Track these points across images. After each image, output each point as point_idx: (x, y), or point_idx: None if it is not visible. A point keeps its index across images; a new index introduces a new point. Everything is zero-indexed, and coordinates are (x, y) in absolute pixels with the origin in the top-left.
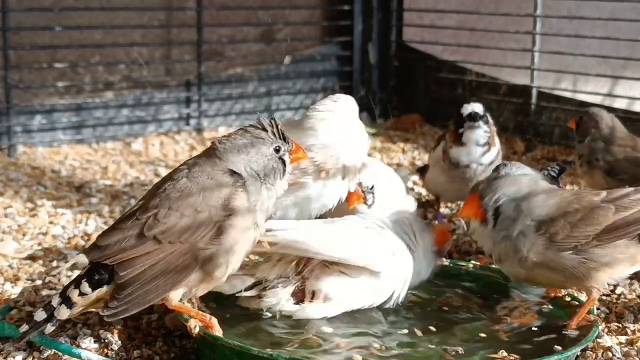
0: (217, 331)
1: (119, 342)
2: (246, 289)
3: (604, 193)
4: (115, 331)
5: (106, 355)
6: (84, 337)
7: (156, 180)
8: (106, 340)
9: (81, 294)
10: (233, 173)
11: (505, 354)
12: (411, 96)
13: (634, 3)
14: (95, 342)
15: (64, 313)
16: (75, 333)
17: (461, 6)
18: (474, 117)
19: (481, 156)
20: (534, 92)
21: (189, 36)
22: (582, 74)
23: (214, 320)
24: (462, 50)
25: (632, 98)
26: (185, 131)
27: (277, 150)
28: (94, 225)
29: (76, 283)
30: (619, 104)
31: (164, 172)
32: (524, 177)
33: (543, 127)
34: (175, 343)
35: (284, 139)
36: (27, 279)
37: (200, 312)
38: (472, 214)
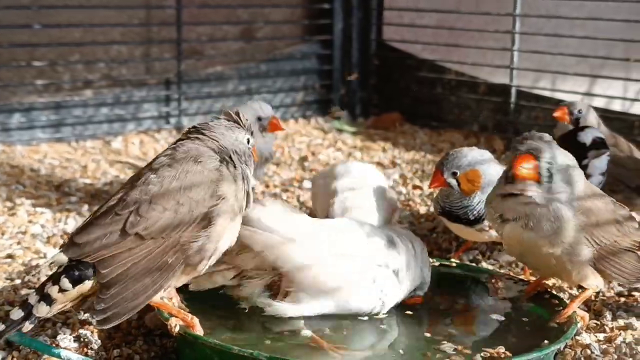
0: (199, 330)
1: (99, 341)
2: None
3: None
4: (95, 330)
5: (86, 355)
6: (63, 336)
7: None
8: (86, 340)
9: (61, 290)
10: (222, 157)
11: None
12: (391, 95)
13: (612, 3)
14: (74, 341)
15: (42, 310)
16: (54, 332)
17: (441, 5)
18: (600, 144)
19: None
20: (513, 91)
21: (168, 34)
22: (561, 73)
23: (195, 320)
24: (441, 49)
25: (610, 97)
26: (165, 130)
27: (248, 141)
28: (74, 224)
29: (54, 280)
30: (597, 102)
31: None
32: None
33: (522, 126)
34: (156, 342)
35: (251, 133)
36: (6, 278)
37: (182, 311)
38: (531, 174)
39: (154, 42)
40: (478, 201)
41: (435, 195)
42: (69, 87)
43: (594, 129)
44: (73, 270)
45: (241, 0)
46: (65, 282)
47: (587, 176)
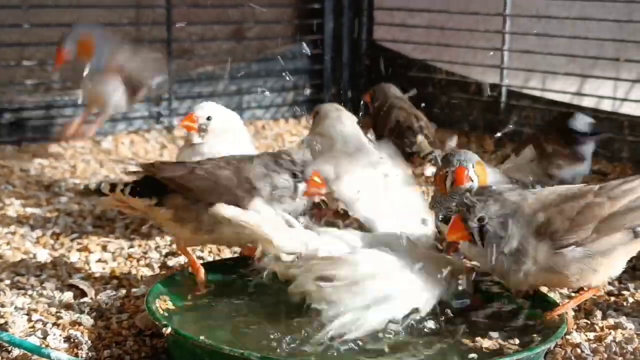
0: (201, 277)
1: (89, 341)
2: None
3: (595, 187)
4: (85, 331)
5: (76, 355)
6: (53, 337)
7: (126, 179)
8: (76, 340)
9: None
10: None
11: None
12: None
13: (602, 3)
14: (64, 341)
15: None
16: (44, 333)
17: (431, 5)
18: (593, 128)
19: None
20: (504, 90)
21: (159, 34)
22: (551, 72)
23: (202, 271)
24: (432, 49)
25: (600, 97)
26: (155, 129)
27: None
28: (63, 224)
29: None
30: (587, 102)
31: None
32: (505, 192)
33: (512, 126)
34: (146, 342)
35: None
36: None
37: (196, 261)
38: (459, 237)
39: (144, 42)
40: None
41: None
42: (59, 87)
43: (582, 114)
44: None
45: (231, 0)
46: None
47: (582, 160)
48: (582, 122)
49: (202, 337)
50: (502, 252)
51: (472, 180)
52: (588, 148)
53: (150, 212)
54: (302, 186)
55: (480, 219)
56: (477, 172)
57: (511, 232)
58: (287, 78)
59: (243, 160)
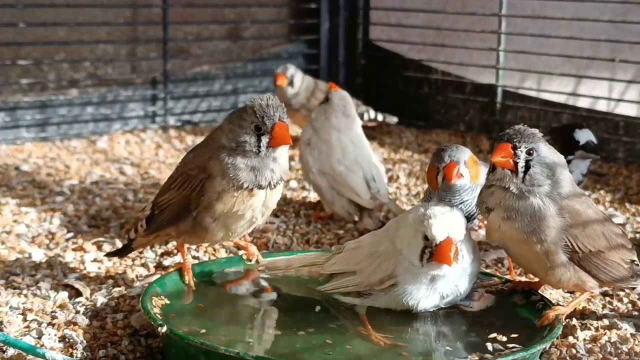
0: (188, 273)
1: (84, 341)
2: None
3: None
4: (80, 331)
5: (71, 355)
6: (48, 336)
7: (122, 178)
8: (71, 340)
9: None
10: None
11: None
12: (378, 95)
13: (597, 3)
14: (60, 341)
15: None
16: (39, 332)
17: (427, 5)
18: (592, 148)
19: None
20: (499, 91)
21: (154, 34)
22: (547, 73)
23: (190, 271)
24: (428, 49)
25: (595, 97)
26: (151, 129)
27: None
28: (58, 224)
29: None
30: (583, 102)
31: (129, 170)
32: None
33: (508, 126)
34: (141, 342)
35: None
36: None
37: (187, 258)
38: (503, 161)
39: (140, 42)
40: (473, 197)
41: (423, 195)
42: (55, 86)
43: (590, 132)
44: None
45: (227, 0)
46: None
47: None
48: (584, 136)
49: (197, 337)
50: (533, 194)
51: (463, 176)
52: (578, 162)
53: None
54: (265, 139)
55: (530, 152)
56: (470, 167)
57: (558, 183)
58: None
59: (213, 130)
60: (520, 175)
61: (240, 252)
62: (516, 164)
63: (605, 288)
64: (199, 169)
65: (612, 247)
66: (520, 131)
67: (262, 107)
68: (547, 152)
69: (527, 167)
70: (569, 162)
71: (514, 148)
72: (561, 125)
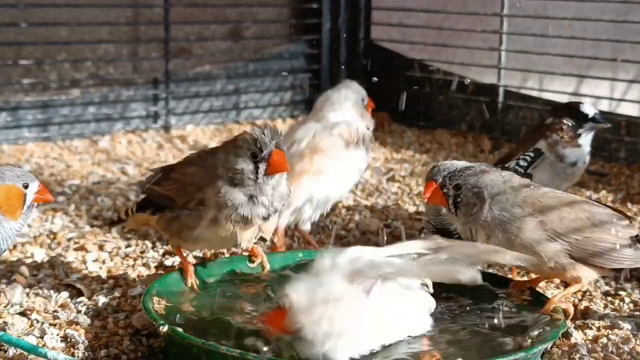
0: (191, 276)
1: (86, 341)
2: None
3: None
4: (82, 330)
5: (72, 355)
6: (50, 336)
7: (123, 178)
8: (73, 340)
9: None
10: None
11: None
12: (379, 94)
13: (598, 3)
14: (61, 341)
15: None
16: (41, 332)
17: (429, 5)
18: (599, 119)
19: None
20: (501, 90)
21: (156, 34)
22: (548, 73)
23: (192, 270)
24: (429, 49)
25: (597, 97)
26: (152, 129)
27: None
28: (60, 224)
29: None
30: (585, 102)
31: (131, 170)
32: (492, 172)
33: (510, 126)
34: (143, 342)
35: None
36: None
37: (187, 261)
38: (436, 201)
39: (142, 41)
40: None
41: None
42: (56, 86)
43: (590, 105)
44: None
45: (229, 0)
46: None
47: (578, 146)
48: (591, 109)
49: (198, 337)
50: (475, 221)
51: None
52: (588, 135)
53: (151, 222)
54: (262, 166)
55: (457, 187)
56: None
57: (484, 204)
58: (285, 77)
59: (211, 151)
60: (454, 210)
61: (245, 253)
62: (446, 200)
63: (608, 288)
64: (197, 188)
65: (596, 224)
66: (442, 169)
67: (259, 134)
68: (473, 178)
69: (455, 201)
70: (579, 135)
71: (442, 187)
72: (564, 104)
